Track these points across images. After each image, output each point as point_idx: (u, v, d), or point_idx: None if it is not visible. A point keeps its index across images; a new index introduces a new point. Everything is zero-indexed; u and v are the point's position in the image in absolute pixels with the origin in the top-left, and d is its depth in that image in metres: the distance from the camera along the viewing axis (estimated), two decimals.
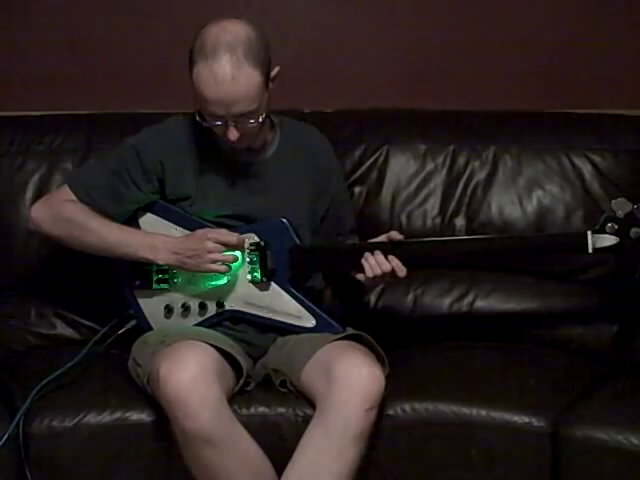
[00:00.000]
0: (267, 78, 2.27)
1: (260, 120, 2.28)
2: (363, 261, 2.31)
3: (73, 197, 2.39)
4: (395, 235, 2.32)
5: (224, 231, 2.33)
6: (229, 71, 2.20)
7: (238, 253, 2.35)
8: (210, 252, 2.30)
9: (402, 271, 2.30)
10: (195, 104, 2.29)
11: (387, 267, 2.29)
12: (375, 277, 2.31)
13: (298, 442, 2.20)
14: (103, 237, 2.36)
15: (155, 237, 2.37)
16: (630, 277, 2.65)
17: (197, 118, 2.31)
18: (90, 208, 2.38)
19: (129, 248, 2.35)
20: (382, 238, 2.35)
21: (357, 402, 2.15)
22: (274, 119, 2.46)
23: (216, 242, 2.30)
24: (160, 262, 2.36)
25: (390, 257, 2.30)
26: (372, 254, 2.30)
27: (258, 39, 2.24)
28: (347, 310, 2.64)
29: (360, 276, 2.34)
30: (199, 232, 2.33)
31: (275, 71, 2.30)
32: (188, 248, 2.32)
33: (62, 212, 2.38)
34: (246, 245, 2.36)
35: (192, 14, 2.73)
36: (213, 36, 2.22)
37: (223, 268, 2.32)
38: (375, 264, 2.30)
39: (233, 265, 2.35)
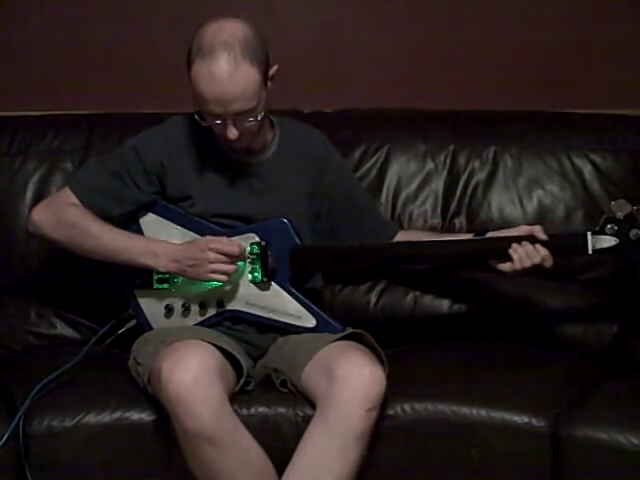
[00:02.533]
0: (265, 76, 2.27)
1: (259, 118, 2.28)
2: (511, 252, 2.29)
3: (74, 199, 2.39)
4: (539, 233, 2.31)
5: (226, 240, 2.33)
6: (227, 69, 2.20)
7: (240, 262, 2.35)
8: (211, 262, 2.30)
9: (549, 261, 2.29)
10: (194, 104, 2.29)
11: (537, 259, 2.29)
12: (524, 269, 2.30)
13: (298, 442, 2.19)
14: (104, 243, 2.36)
15: (156, 244, 2.37)
16: (630, 277, 2.65)
17: (196, 117, 2.31)
18: (92, 212, 2.38)
19: (130, 254, 2.36)
20: (523, 230, 2.34)
21: (358, 402, 2.15)
22: (273, 119, 2.46)
23: (218, 252, 2.30)
24: (161, 269, 2.36)
25: (538, 247, 2.29)
26: (520, 245, 2.29)
27: (255, 37, 2.24)
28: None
29: (505, 266, 2.32)
30: (201, 241, 2.33)
31: (273, 70, 2.30)
32: (189, 257, 2.32)
33: (64, 216, 2.38)
34: (247, 253, 2.36)
35: (192, 14, 2.73)
36: (210, 35, 2.22)
37: (224, 278, 2.32)
38: (525, 255, 2.29)
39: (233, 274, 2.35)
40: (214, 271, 2.31)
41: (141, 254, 2.35)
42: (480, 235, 2.40)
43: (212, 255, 2.30)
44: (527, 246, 2.29)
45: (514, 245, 2.30)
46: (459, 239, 2.43)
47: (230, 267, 2.32)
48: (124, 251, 2.36)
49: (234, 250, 2.31)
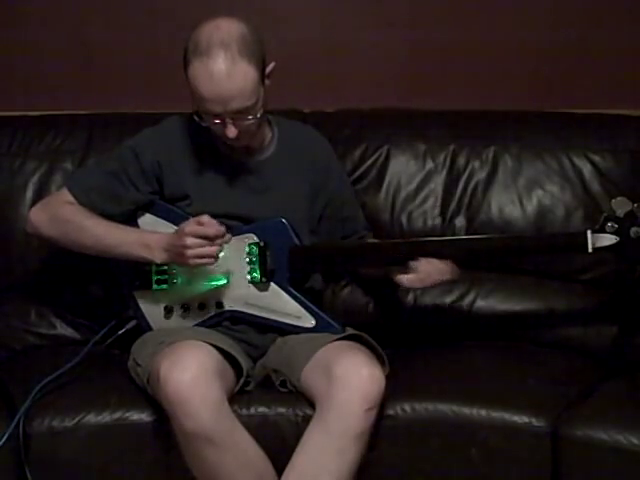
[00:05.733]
0: (263, 74, 2.27)
1: (258, 116, 2.28)
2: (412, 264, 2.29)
3: (72, 199, 2.39)
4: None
5: (203, 220, 2.25)
6: (224, 68, 2.20)
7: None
8: (190, 247, 2.26)
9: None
10: (193, 104, 2.29)
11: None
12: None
13: (298, 442, 2.19)
14: (99, 237, 2.35)
15: (148, 235, 2.36)
16: (630, 277, 2.65)
17: (195, 118, 2.30)
18: (88, 209, 2.38)
19: (124, 247, 2.34)
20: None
21: (357, 402, 2.15)
22: (272, 119, 2.46)
23: (194, 236, 2.26)
24: (157, 260, 2.34)
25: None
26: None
27: (251, 35, 2.24)
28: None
29: (402, 278, 2.32)
30: (180, 227, 2.29)
31: (270, 67, 2.30)
32: (173, 245, 2.29)
33: (59, 213, 2.38)
34: (225, 234, 2.27)
35: (192, 14, 2.72)
36: (206, 35, 2.22)
37: (207, 262, 2.28)
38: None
39: (223, 256, 2.31)
40: (195, 256, 2.27)
41: (135, 247, 2.33)
42: None
43: (189, 240, 2.25)
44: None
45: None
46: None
47: (210, 249, 2.26)
48: (118, 244, 2.35)
49: (208, 231, 2.25)
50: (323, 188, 2.50)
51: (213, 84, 2.20)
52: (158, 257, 2.33)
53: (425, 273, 2.30)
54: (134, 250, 2.34)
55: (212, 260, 2.29)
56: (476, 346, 2.61)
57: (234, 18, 2.26)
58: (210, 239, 2.25)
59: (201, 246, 2.25)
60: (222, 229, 2.27)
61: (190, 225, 2.26)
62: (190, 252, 2.25)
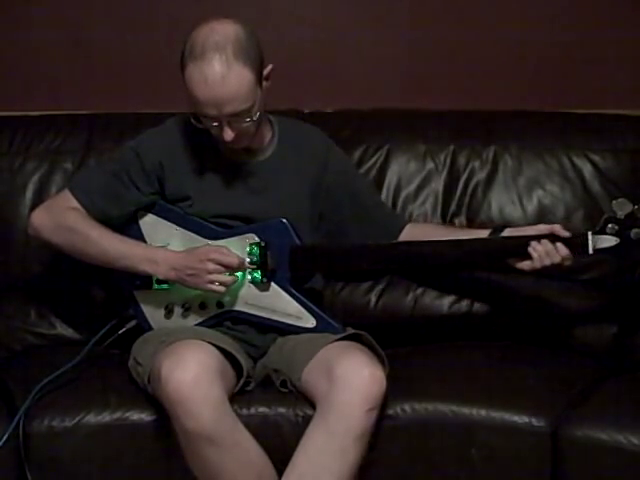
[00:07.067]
0: (259, 76, 2.26)
1: (255, 119, 2.28)
2: (530, 250, 2.29)
3: (74, 202, 2.39)
4: (560, 231, 2.31)
5: (226, 251, 2.32)
6: (219, 71, 2.19)
7: (239, 273, 2.35)
8: (210, 273, 2.30)
9: (569, 260, 2.30)
10: (190, 107, 2.29)
11: (557, 259, 2.29)
12: (543, 267, 2.30)
13: (298, 442, 2.19)
14: (104, 249, 2.36)
15: (156, 251, 2.37)
16: (630, 277, 2.65)
17: (192, 121, 2.30)
18: (91, 215, 2.38)
19: (129, 261, 2.35)
20: (542, 229, 2.33)
21: (358, 403, 2.15)
22: (272, 119, 2.46)
23: (217, 264, 2.30)
24: (160, 277, 2.36)
25: (559, 246, 2.29)
26: (539, 243, 2.29)
27: (247, 37, 2.24)
28: None
29: (524, 264, 2.32)
30: (201, 250, 2.33)
31: (268, 69, 2.29)
32: (188, 266, 2.32)
33: (64, 220, 2.38)
34: (247, 263, 2.35)
35: (192, 14, 2.73)
36: (202, 37, 2.22)
37: (221, 289, 2.32)
38: (544, 254, 2.29)
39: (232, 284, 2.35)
40: (212, 281, 2.31)
41: (140, 261, 2.35)
42: (496, 232, 2.40)
43: (211, 266, 2.30)
44: (547, 245, 2.29)
45: (533, 243, 2.30)
46: (470, 238, 2.41)
47: (228, 279, 2.32)
48: (123, 257, 2.36)
49: (233, 262, 2.31)
50: (320, 181, 2.48)
51: (208, 88, 2.20)
52: (162, 274, 2.34)
53: (538, 256, 2.30)
54: (138, 264, 2.35)
55: (224, 289, 2.31)
56: (476, 346, 2.61)
57: (230, 20, 2.25)
58: (230, 268, 2.30)
59: (220, 273, 2.30)
60: (244, 260, 2.33)
61: (215, 253, 2.30)
62: (209, 277, 2.30)
